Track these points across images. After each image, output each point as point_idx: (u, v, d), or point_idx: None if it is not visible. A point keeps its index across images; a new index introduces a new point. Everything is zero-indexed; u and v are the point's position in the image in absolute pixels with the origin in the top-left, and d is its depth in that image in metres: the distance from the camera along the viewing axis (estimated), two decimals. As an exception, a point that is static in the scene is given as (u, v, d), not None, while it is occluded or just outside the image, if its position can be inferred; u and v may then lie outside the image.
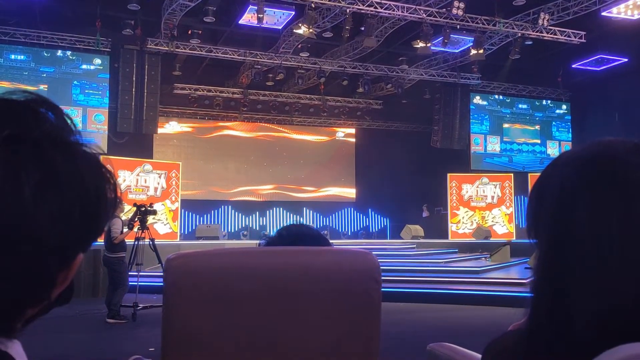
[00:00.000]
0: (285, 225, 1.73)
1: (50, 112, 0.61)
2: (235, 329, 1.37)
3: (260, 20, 12.90)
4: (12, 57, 14.61)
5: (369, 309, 1.47)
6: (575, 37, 14.72)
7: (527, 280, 10.33)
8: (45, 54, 14.90)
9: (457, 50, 16.21)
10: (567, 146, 20.20)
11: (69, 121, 0.63)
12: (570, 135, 20.25)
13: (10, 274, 0.54)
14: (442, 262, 12.90)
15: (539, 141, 20.07)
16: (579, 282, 0.67)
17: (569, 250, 0.68)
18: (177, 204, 15.57)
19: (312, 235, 1.63)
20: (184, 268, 1.37)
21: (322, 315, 1.43)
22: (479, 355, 2.16)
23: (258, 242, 1.70)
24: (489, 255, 13.95)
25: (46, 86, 14.88)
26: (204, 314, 1.36)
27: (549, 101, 20.23)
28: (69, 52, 15.11)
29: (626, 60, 16.76)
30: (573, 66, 17.56)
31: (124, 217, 8.38)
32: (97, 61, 15.33)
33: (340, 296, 1.44)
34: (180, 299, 1.35)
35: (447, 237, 17.85)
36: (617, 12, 13.38)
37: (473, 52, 14.92)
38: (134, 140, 15.93)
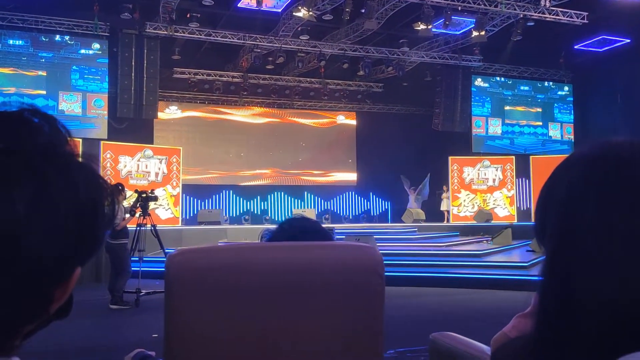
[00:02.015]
0: (287, 218, 1.71)
1: (45, 122, 0.59)
2: (238, 325, 1.36)
3: (259, 3, 12.78)
4: (10, 42, 14.52)
5: (372, 303, 1.46)
6: (577, 17, 14.57)
7: (529, 263, 10.37)
8: (44, 39, 14.80)
9: (458, 32, 16.09)
10: (569, 128, 20.14)
11: (63, 131, 0.61)
12: (572, 117, 20.16)
13: (5, 292, 0.53)
14: (443, 246, 12.91)
15: (540, 123, 19.98)
16: (585, 284, 0.66)
17: (575, 251, 0.68)
18: (179, 189, 15.58)
19: (314, 229, 1.62)
20: (185, 264, 1.36)
21: (325, 311, 1.42)
22: (482, 345, 2.16)
23: (260, 234, 1.68)
24: (490, 238, 13.98)
25: (45, 72, 14.81)
26: (207, 311, 1.35)
27: (550, 83, 20.10)
28: (67, 37, 15.00)
29: (629, 41, 16.62)
30: (575, 47, 17.43)
31: (125, 204, 8.38)
32: (96, 46, 15.23)
33: (344, 291, 1.43)
34: (182, 295, 1.34)
35: (442, 220, 17.87)
36: (620, -8, 13.24)
37: (474, 33, 14.79)
38: (134, 125, 15.89)
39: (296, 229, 1.61)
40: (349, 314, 1.43)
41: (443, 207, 18.07)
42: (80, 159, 0.60)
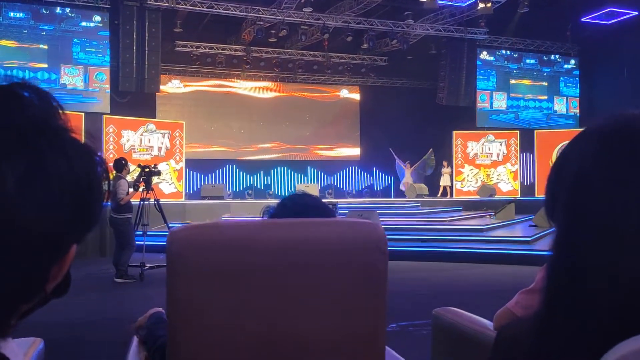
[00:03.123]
0: (289, 194, 1.69)
1: (36, 96, 0.57)
2: (240, 301, 1.36)
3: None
4: (11, 14, 14.38)
5: (375, 279, 1.45)
6: (585, -11, 14.33)
7: (531, 238, 10.38)
8: (44, 11, 14.64)
9: (464, 4, 15.85)
10: (575, 102, 19.97)
11: (56, 105, 0.58)
12: (578, 90, 19.98)
13: None
14: (446, 221, 12.93)
15: (546, 97, 19.82)
16: (595, 265, 0.64)
17: (586, 227, 0.66)
18: (182, 164, 15.58)
19: (316, 206, 1.60)
20: (188, 241, 1.35)
21: (328, 287, 1.42)
22: (485, 320, 2.16)
23: (262, 210, 1.67)
24: (493, 213, 13.99)
25: (46, 45, 14.68)
26: (209, 287, 1.34)
27: (557, 56, 19.86)
28: (67, 9, 14.85)
29: (636, 13, 16.35)
30: (582, 20, 17.16)
31: (129, 178, 8.39)
32: (97, 18, 15.07)
33: (346, 268, 1.43)
34: (185, 271, 1.34)
35: (451, 195, 17.86)
36: (630, -37, 12.98)
37: (481, 5, 14.58)
38: (136, 99, 15.81)
39: (298, 206, 1.60)
40: (351, 290, 1.43)
41: (443, 182, 17.89)
42: (72, 134, 0.58)
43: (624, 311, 0.62)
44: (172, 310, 1.37)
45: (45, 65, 14.64)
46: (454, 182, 18.20)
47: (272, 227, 1.41)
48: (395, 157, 18.19)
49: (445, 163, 18.01)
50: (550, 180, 0.74)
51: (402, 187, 18.21)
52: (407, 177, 17.96)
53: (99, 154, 0.61)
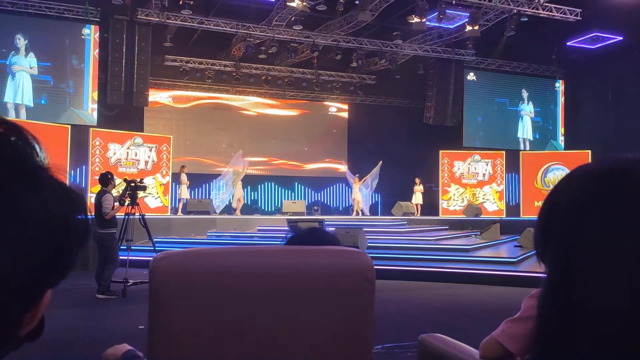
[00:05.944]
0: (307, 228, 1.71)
1: (11, 133, 0.54)
2: (223, 330, 1.34)
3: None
4: (0, 25, 14.30)
5: (362, 308, 1.44)
6: (571, 14, 14.60)
7: (517, 258, 10.41)
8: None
9: (452, 26, 16.06)
10: (560, 124, 20.21)
11: (34, 142, 0.55)
12: (563, 113, 20.23)
13: None
14: (432, 240, 12.93)
15: (531, 119, 20.04)
16: (587, 308, 0.64)
17: (577, 265, 0.66)
18: (168, 178, 15.49)
19: (326, 240, 1.61)
20: (171, 268, 1.32)
21: (313, 315, 1.40)
22: (471, 348, 2.14)
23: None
24: (479, 233, 14.03)
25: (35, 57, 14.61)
26: (192, 315, 1.32)
27: (542, 79, 20.14)
28: (57, 22, 14.80)
29: (621, 38, 16.68)
30: (568, 44, 17.47)
31: (114, 193, 8.30)
32: (87, 31, 15.04)
33: (332, 296, 1.41)
34: (168, 300, 1.31)
35: (437, 214, 17.91)
36: (614, -10, 13.25)
37: (468, 28, 14.78)
38: (124, 112, 15.74)
39: (316, 236, 1.61)
40: (337, 319, 1.41)
41: (415, 200, 17.56)
42: (52, 172, 0.55)
43: (621, 350, 0.61)
44: (154, 338, 1.34)
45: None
46: (440, 201, 18.25)
47: (257, 255, 1.40)
48: (347, 170, 18.03)
49: (417, 180, 17.69)
50: (542, 218, 0.74)
51: (352, 202, 17.95)
52: (355, 191, 17.43)
53: (78, 193, 0.58)
